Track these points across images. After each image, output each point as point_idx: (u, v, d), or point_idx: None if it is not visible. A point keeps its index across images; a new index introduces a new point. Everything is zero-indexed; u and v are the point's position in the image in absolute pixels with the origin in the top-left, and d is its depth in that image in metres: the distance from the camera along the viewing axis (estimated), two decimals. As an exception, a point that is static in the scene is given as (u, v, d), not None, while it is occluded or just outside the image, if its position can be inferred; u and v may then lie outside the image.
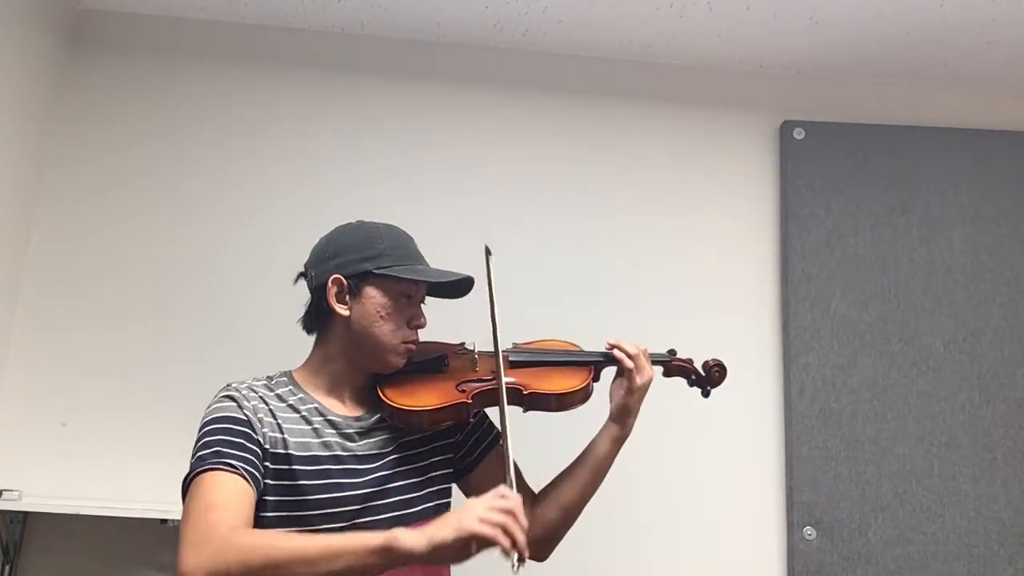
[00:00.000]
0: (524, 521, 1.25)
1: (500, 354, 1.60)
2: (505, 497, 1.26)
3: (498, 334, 1.61)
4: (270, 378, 1.62)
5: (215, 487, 1.39)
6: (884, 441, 2.73)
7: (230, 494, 1.39)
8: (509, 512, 1.23)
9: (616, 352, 1.71)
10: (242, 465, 1.42)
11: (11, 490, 2.34)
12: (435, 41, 2.94)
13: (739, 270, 2.90)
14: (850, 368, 2.78)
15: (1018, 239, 2.87)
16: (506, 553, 1.22)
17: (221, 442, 1.44)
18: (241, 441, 1.45)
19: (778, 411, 2.81)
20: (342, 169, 2.82)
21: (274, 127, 2.82)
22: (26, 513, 2.47)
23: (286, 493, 1.48)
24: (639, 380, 1.67)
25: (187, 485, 1.43)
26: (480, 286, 1.66)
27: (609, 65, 3.00)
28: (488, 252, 1.71)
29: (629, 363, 1.68)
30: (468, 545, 1.21)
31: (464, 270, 1.65)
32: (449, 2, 2.72)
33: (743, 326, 2.85)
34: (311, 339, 1.68)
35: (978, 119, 3.00)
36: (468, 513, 1.23)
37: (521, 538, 1.22)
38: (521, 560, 1.23)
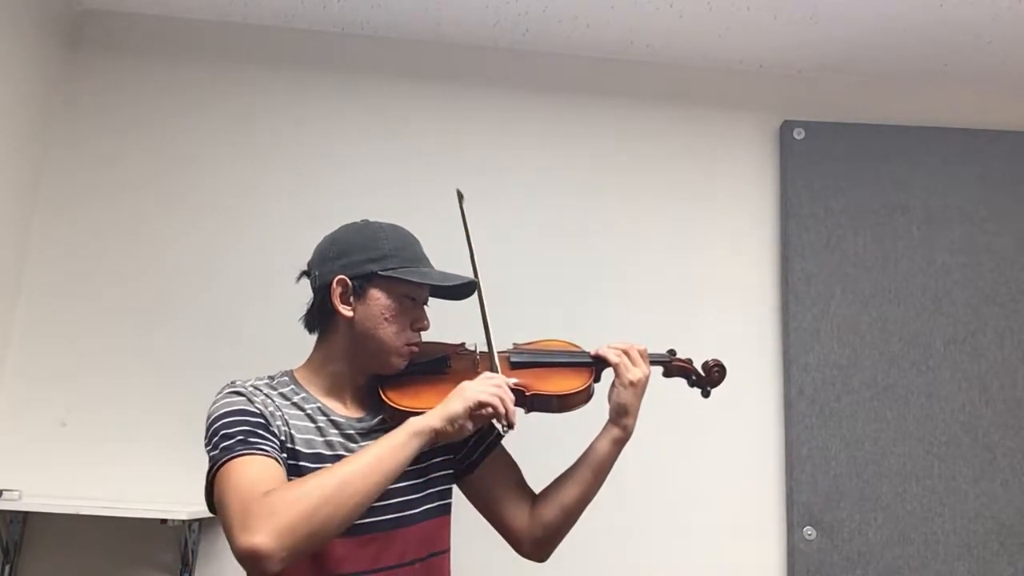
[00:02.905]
0: (511, 395, 1.51)
1: (486, 314, 1.67)
2: (491, 377, 1.53)
3: (482, 290, 1.68)
4: (271, 378, 1.62)
5: (248, 469, 1.37)
6: (884, 441, 2.73)
7: (262, 472, 1.37)
8: (499, 386, 1.50)
9: (602, 350, 1.71)
10: (269, 448, 1.42)
11: (11, 490, 2.34)
12: (435, 41, 2.94)
13: (739, 270, 2.90)
14: (850, 368, 2.78)
15: (1018, 239, 2.87)
16: (499, 417, 1.48)
17: (243, 432, 1.43)
18: (260, 431, 1.44)
19: (778, 411, 2.81)
20: (342, 169, 2.82)
21: (274, 127, 2.82)
22: (26, 513, 2.48)
23: None
24: (627, 377, 1.66)
25: (213, 477, 1.41)
26: (457, 231, 1.75)
27: (609, 65, 3.00)
28: (460, 196, 1.82)
29: (615, 358, 1.69)
30: (472, 413, 1.46)
31: (464, 271, 1.65)
32: (449, 2, 2.72)
33: (743, 326, 2.85)
34: (310, 341, 1.67)
35: (978, 119, 3.00)
36: (468, 389, 1.49)
37: (511, 406, 1.49)
38: (510, 425, 1.49)
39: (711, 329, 2.79)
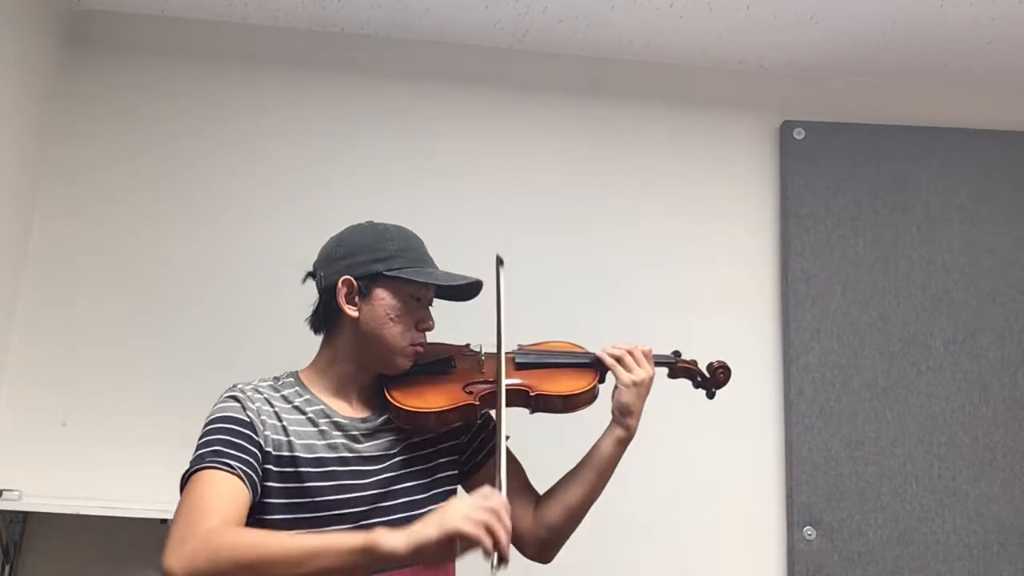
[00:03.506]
0: (508, 522, 1.25)
1: (503, 362, 1.57)
2: (488, 497, 1.27)
3: (502, 348, 1.59)
4: (276, 379, 1.62)
5: (209, 486, 1.39)
6: (884, 441, 2.73)
7: (223, 493, 1.39)
8: (493, 512, 1.23)
9: (606, 350, 1.71)
10: (239, 466, 1.42)
11: (11, 490, 2.34)
12: (435, 41, 2.94)
13: (739, 270, 2.90)
14: (850, 368, 2.78)
15: (1018, 239, 2.88)
16: (487, 553, 1.21)
17: (221, 441, 1.44)
18: (241, 442, 1.45)
19: (778, 411, 2.81)
20: (343, 169, 2.82)
21: (274, 127, 2.82)
22: (26, 513, 2.47)
23: (294, 495, 1.48)
24: (631, 377, 1.66)
25: (184, 482, 1.43)
26: (488, 294, 1.65)
27: (609, 65, 3.00)
28: (500, 262, 1.67)
29: (611, 361, 1.69)
30: (451, 544, 1.21)
31: (465, 271, 1.65)
32: (449, 2, 2.71)
33: (743, 326, 2.85)
34: (314, 342, 1.67)
35: (978, 119, 3.00)
36: (452, 512, 1.23)
37: (503, 538, 1.22)
38: (502, 561, 1.22)
39: (711, 329, 2.79)
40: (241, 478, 1.41)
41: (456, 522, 1.21)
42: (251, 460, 1.45)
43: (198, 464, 1.41)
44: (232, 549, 1.27)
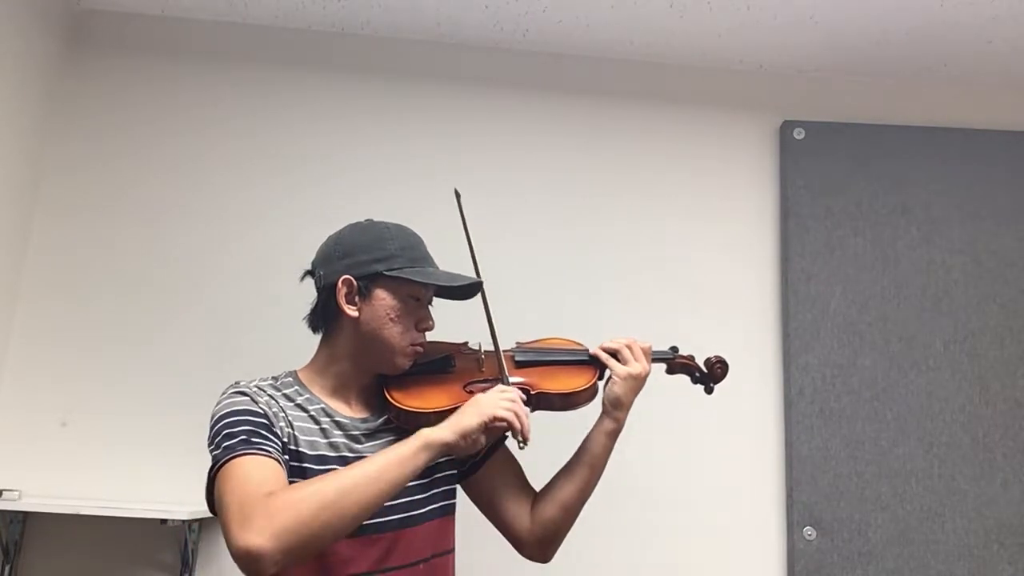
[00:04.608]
0: (526, 409, 1.53)
1: (491, 315, 1.67)
2: (506, 391, 1.53)
3: (485, 291, 1.67)
4: (275, 378, 1.61)
5: (249, 469, 1.37)
6: (884, 441, 2.73)
7: (265, 469, 1.38)
8: (515, 401, 1.51)
9: (604, 344, 1.73)
10: (271, 449, 1.42)
11: (11, 490, 2.34)
12: (435, 41, 2.94)
13: (739, 270, 2.89)
14: (850, 368, 2.78)
15: (1018, 239, 2.87)
16: (514, 432, 1.49)
17: (246, 432, 1.42)
18: (263, 431, 1.44)
19: (778, 411, 2.81)
20: (342, 169, 2.81)
21: (274, 127, 2.82)
22: (26, 513, 2.47)
23: None
24: (626, 370, 1.67)
25: (214, 475, 1.41)
26: (457, 227, 1.74)
27: (609, 65, 3.00)
28: (458, 195, 1.78)
29: (604, 356, 1.71)
30: (486, 428, 1.46)
31: (464, 270, 1.65)
32: (449, 2, 2.71)
33: (743, 326, 2.84)
34: (313, 341, 1.67)
35: (978, 119, 3.00)
36: (485, 402, 1.49)
37: (527, 421, 1.50)
38: (526, 441, 1.49)
39: (711, 329, 2.78)
40: (276, 460, 1.41)
41: (492, 409, 1.47)
42: (277, 445, 1.44)
43: (228, 455, 1.39)
44: (309, 498, 1.31)
